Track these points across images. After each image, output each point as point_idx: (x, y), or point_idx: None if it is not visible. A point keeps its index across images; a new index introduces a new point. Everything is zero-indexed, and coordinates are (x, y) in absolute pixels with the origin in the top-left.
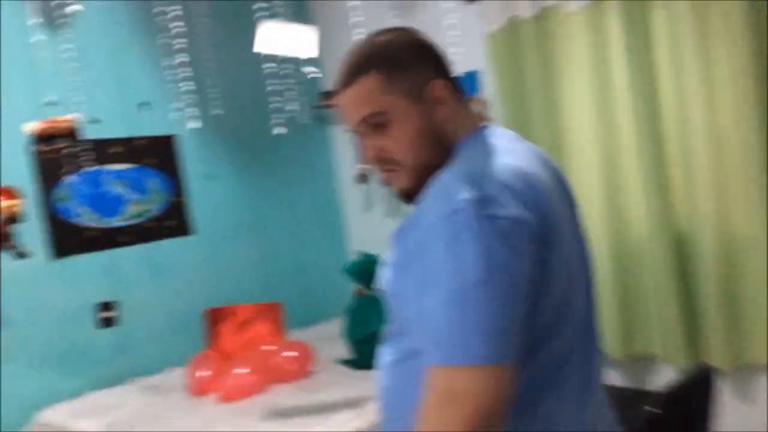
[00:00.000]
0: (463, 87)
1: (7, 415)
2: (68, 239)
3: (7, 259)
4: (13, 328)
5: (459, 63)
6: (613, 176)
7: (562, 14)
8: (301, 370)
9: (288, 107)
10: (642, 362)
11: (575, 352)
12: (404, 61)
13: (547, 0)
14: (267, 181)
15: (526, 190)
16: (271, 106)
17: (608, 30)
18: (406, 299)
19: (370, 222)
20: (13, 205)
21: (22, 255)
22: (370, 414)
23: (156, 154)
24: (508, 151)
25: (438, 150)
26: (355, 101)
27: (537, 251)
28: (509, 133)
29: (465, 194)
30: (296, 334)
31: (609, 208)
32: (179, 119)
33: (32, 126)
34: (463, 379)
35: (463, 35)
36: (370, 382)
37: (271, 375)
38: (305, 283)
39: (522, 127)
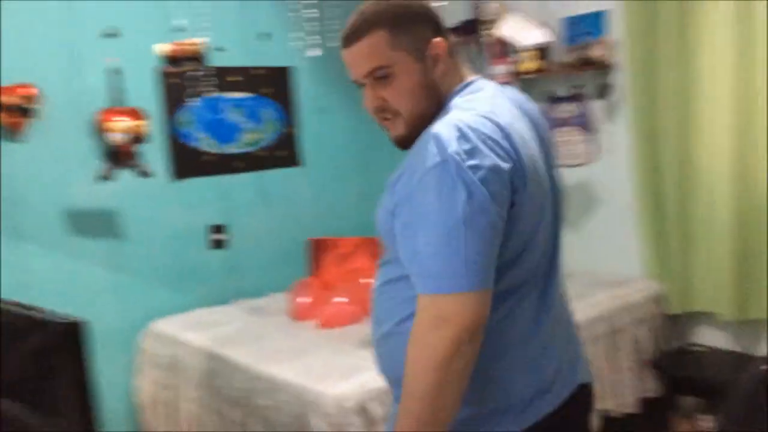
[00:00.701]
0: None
1: (125, 323)
2: (187, 162)
3: (130, 177)
4: (131, 242)
5: (587, 1)
6: (746, 129)
7: None
8: None
9: None
10: (754, 326)
11: (533, 277)
12: (408, 21)
13: None
14: None
15: (502, 141)
16: None
17: None
18: (395, 238)
19: None
20: (138, 126)
21: (144, 174)
22: None
23: (272, 84)
24: (490, 104)
25: (432, 102)
26: (363, 55)
27: (510, 194)
28: (492, 86)
29: (453, 147)
30: None
31: (738, 163)
32: (297, 50)
33: (162, 47)
34: (451, 304)
35: None
36: None
37: (369, 306)
38: None
39: (648, 72)
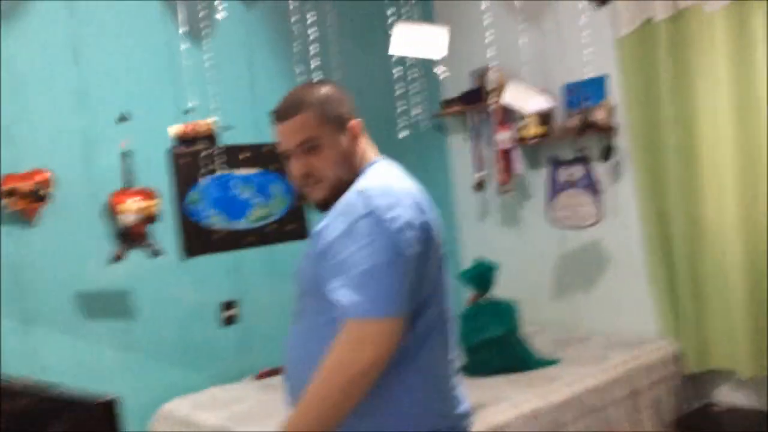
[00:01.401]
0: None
1: (134, 405)
2: (197, 240)
3: (141, 257)
4: (142, 322)
5: (586, 67)
6: (751, 183)
7: (701, 15)
8: None
9: (413, 112)
10: None
11: (439, 323)
12: (331, 103)
13: (685, 0)
14: None
15: (414, 202)
16: (397, 110)
17: (752, 31)
18: (319, 281)
19: (485, 230)
20: (150, 206)
21: (156, 253)
22: (483, 420)
23: (280, 159)
24: (399, 176)
25: (351, 171)
26: (295, 130)
27: (422, 245)
28: (395, 165)
29: (377, 202)
30: None
31: (745, 219)
32: None
33: (176, 128)
34: (372, 327)
35: (592, 39)
36: (484, 390)
37: None
38: None
39: (650, 133)
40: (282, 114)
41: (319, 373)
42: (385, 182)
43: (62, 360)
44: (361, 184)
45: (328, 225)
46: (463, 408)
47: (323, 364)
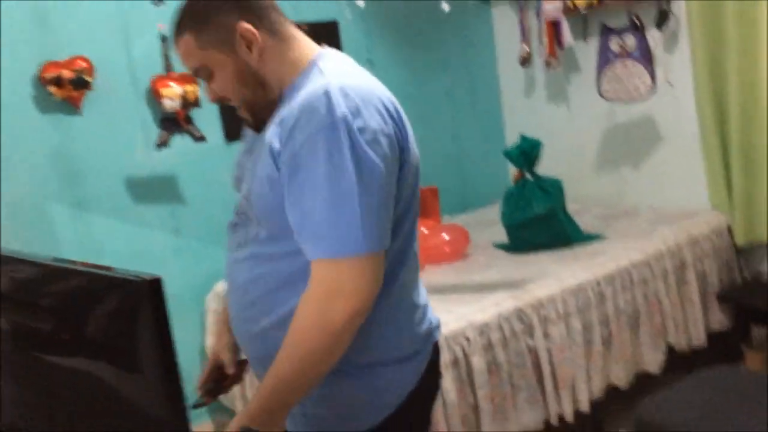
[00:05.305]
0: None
1: (190, 284)
2: (238, 124)
3: (185, 142)
4: (190, 206)
5: None
6: None
7: None
8: (457, 252)
9: None
10: None
11: (413, 234)
12: (206, 15)
13: None
14: (426, 65)
15: (383, 104)
16: None
17: None
18: (279, 208)
19: (531, 106)
20: (192, 91)
21: (198, 138)
22: (528, 294)
23: (319, 39)
24: (357, 73)
25: (263, 89)
26: (183, 56)
27: (398, 155)
28: (348, 58)
29: (338, 110)
30: (454, 219)
31: None
32: (342, 3)
33: None
34: (347, 271)
35: None
36: (528, 265)
37: (428, 256)
38: (463, 169)
39: (713, 20)
40: (173, 35)
41: (291, 335)
42: (344, 81)
43: (116, 244)
44: (318, 81)
45: (278, 145)
46: (435, 321)
47: (295, 323)
